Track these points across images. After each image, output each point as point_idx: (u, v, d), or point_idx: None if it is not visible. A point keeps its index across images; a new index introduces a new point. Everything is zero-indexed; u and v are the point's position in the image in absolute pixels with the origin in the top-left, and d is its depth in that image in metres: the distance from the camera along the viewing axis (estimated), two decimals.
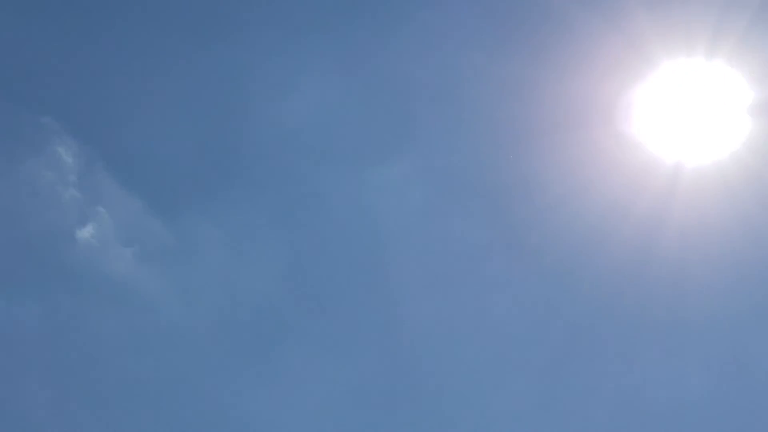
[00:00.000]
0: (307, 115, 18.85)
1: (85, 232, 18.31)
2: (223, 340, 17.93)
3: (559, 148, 17.89)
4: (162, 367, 17.63)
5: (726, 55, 16.65)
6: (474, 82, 18.15)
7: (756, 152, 16.53)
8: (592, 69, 17.74)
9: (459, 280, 17.82)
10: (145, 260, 18.35)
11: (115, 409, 17.11)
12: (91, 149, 18.77)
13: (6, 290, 17.55)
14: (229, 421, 17.23)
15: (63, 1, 19.48)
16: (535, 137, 18.03)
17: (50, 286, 17.87)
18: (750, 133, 16.55)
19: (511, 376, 17.07)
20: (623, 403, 16.72)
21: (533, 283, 17.53)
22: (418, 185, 18.35)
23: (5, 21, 18.91)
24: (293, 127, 18.91)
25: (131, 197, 18.73)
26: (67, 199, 18.56)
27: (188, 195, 19.07)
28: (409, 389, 17.36)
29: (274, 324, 18.02)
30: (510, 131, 18.02)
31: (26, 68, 18.93)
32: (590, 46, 17.67)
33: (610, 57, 17.51)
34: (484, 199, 17.91)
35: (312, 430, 17.10)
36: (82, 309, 17.79)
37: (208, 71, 19.35)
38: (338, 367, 17.56)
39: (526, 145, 18.03)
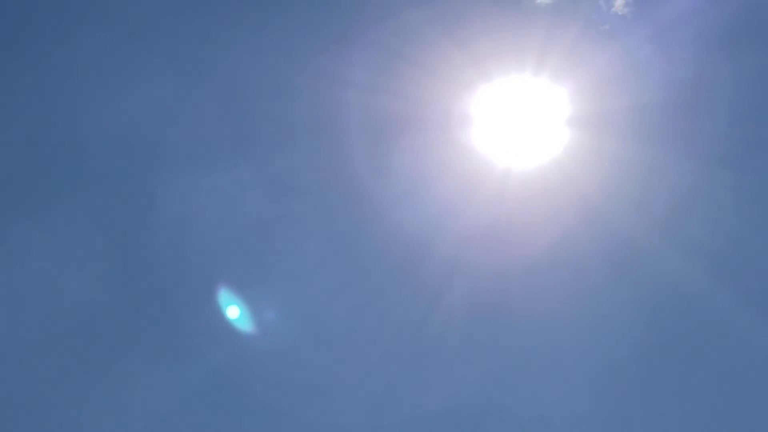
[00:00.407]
0: (136, 117, 18.73)
1: None
2: (46, 348, 17.43)
3: (396, 154, 18.74)
4: None
5: (549, 73, 18.48)
6: (310, 85, 18.63)
7: (574, 159, 18.43)
8: (430, 80, 18.77)
9: (293, 285, 18.19)
10: None
11: None
12: None
13: None
14: None
15: None
16: (372, 142, 18.75)
17: None
18: (569, 141, 18.52)
19: (348, 381, 17.57)
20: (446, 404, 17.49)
21: (369, 288, 18.10)
22: (253, 190, 18.70)
23: None
24: (122, 129, 18.74)
25: None
26: None
27: (7, 197, 18.51)
28: (246, 396, 17.52)
29: (101, 331, 17.70)
30: (346, 136, 18.60)
31: None
32: (430, 58, 18.71)
33: (447, 71, 18.70)
34: (318, 204, 18.43)
35: None
36: None
37: (29, 68, 18.83)
38: (171, 377, 17.44)
39: (362, 149, 18.67)
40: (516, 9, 18.75)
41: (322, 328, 17.97)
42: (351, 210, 18.39)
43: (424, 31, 18.66)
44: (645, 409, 17.74)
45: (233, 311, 17.81)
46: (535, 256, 18.01)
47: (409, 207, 18.59)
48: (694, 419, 17.51)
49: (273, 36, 18.90)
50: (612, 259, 17.84)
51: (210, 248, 18.19)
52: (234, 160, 18.63)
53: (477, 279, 18.14)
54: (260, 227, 18.32)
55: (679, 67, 18.60)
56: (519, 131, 18.64)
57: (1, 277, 17.77)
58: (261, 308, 17.92)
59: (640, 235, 17.85)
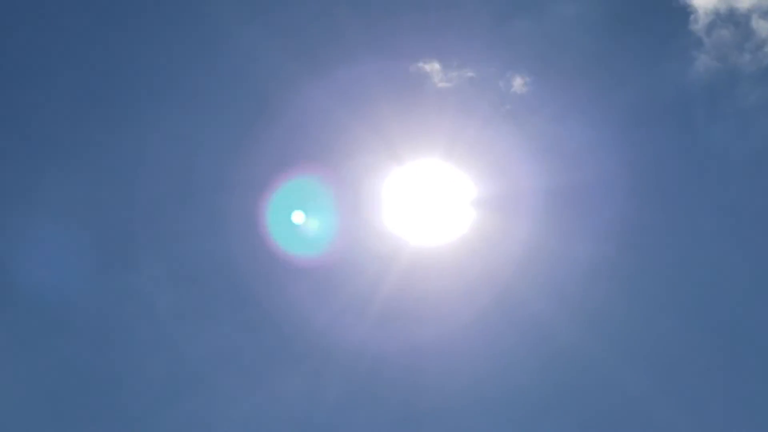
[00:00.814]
0: (46, 222, 19.07)
1: None
2: None
3: (311, 235, 19.20)
4: None
5: (456, 158, 19.54)
6: (217, 183, 19.28)
7: (479, 237, 19.38)
8: (348, 164, 19.68)
9: (213, 385, 18.38)
10: None
11: None
12: None
13: None
14: None
15: None
16: (284, 224, 19.22)
17: None
18: (474, 221, 19.51)
19: None
20: None
21: (285, 379, 18.40)
22: (167, 289, 19.05)
23: None
24: (33, 235, 19.02)
25: None
26: None
27: None
28: None
29: None
30: (254, 220, 19.04)
31: None
32: (348, 144, 19.69)
33: (363, 155, 19.63)
34: (235, 299, 18.80)
35: None
36: None
37: None
38: None
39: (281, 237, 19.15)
40: (418, 92, 19.51)
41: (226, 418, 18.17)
42: (263, 296, 18.75)
43: (345, 120, 19.33)
44: None
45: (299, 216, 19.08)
46: (444, 330, 18.66)
47: (324, 287, 19.05)
48: None
49: (174, 138, 19.51)
50: (519, 333, 18.52)
51: (125, 351, 18.39)
52: (142, 259, 18.98)
53: (389, 352, 18.56)
54: (178, 328, 18.63)
55: (579, 144, 19.34)
56: (428, 212, 19.51)
57: None
58: (181, 410, 18.07)
59: (543, 310, 18.54)
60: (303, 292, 18.84)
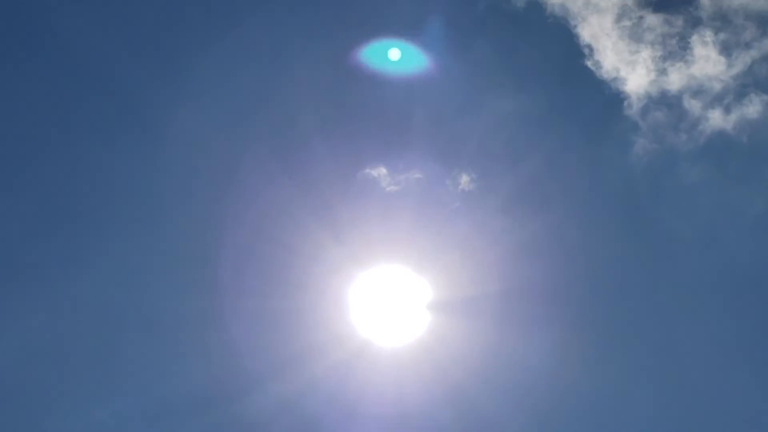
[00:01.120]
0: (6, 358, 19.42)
1: None
2: None
3: (284, 342, 19.63)
4: None
5: (415, 264, 20.17)
6: (176, 310, 19.64)
7: (434, 338, 19.89)
8: (318, 272, 20.21)
9: None
10: None
11: None
12: None
13: None
14: None
15: None
16: (255, 331, 19.60)
17: None
18: (430, 323, 20.07)
19: None
20: None
21: None
22: (134, 422, 19.32)
23: None
24: None
25: None
26: None
27: None
28: None
29: None
30: (227, 348, 19.45)
31: None
32: (316, 254, 20.21)
33: (330, 262, 20.22)
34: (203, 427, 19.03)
35: None
36: None
37: None
38: None
39: (246, 342, 19.49)
40: (368, 198, 19.97)
41: None
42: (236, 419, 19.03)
43: (313, 232, 19.89)
44: None
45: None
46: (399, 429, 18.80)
47: (292, 393, 19.33)
48: None
49: (131, 270, 19.98)
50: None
51: None
52: (112, 395, 19.31)
53: None
54: None
55: (530, 238, 19.68)
56: (383, 315, 20.01)
57: None
58: None
59: (498, 411, 18.83)
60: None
